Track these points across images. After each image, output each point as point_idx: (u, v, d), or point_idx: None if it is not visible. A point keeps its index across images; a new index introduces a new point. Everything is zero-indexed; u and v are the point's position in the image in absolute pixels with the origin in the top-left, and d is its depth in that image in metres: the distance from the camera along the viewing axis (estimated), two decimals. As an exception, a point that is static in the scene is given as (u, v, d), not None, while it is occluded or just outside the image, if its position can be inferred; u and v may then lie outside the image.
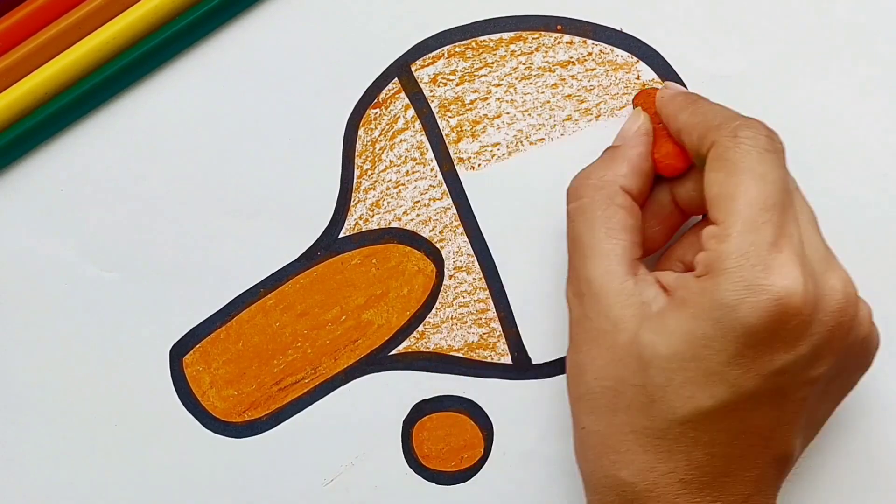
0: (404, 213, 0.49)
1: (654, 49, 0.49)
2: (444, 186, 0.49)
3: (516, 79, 0.49)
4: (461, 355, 0.50)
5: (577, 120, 0.49)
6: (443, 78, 0.49)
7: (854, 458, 0.49)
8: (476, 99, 0.49)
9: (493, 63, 0.49)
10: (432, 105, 0.49)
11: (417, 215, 0.49)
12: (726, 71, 0.49)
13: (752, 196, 0.41)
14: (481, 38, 0.49)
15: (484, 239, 0.49)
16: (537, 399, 0.49)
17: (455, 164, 0.49)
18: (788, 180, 0.42)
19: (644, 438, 0.42)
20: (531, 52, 0.49)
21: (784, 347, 0.40)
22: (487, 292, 0.49)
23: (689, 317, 0.41)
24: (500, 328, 0.49)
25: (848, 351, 0.42)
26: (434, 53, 0.49)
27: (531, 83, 0.49)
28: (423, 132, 0.49)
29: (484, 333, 0.50)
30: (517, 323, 0.49)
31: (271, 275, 0.50)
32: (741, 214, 0.41)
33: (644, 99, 0.47)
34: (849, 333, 0.42)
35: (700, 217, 0.47)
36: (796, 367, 0.41)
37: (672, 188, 0.46)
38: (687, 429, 0.41)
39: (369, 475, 0.50)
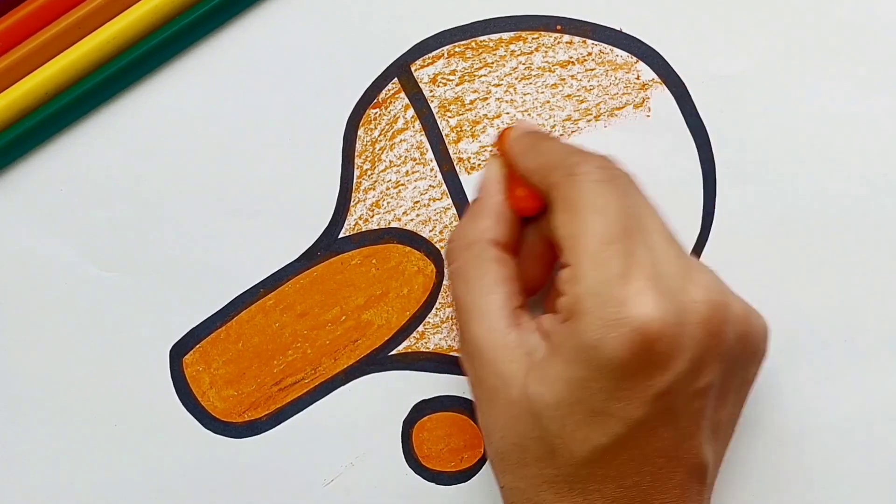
0: (404, 213, 0.49)
1: (654, 49, 0.49)
2: (444, 186, 0.49)
3: (516, 79, 0.49)
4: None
5: (576, 120, 0.49)
6: (443, 78, 0.49)
7: (854, 459, 0.49)
8: (476, 99, 0.49)
9: (492, 63, 0.49)
10: (432, 105, 0.49)
11: (417, 215, 0.49)
12: (726, 71, 0.49)
13: (595, 232, 0.41)
14: (481, 38, 0.49)
15: (484, 239, 0.49)
16: (537, 399, 0.49)
17: (455, 164, 0.49)
18: (633, 204, 0.42)
19: (557, 486, 0.42)
20: (531, 52, 0.49)
21: (659, 371, 0.40)
22: (487, 292, 0.49)
23: (564, 362, 0.41)
24: (500, 328, 0.49)
25: (730, 352, 0.42)
26: (434, 53, 0.49)
27: (531, 83, 0.49)
28: (423, 132, 0.49)
29: (484, 333, 0.49)
30: (517, 323, 0.49)
31: (271, 275, 0.50)
32: (586, 252, 0.41)
33: (501, 140, 0.47)
34: (723, 338, 0.41)
35: None
36: (679, 385, 0.41)
37: (538, 227, 0.46)
38: (593, 469, 0.41)
39: (369, 475, 0.50)
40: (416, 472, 0.50)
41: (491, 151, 0.48)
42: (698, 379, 0.41)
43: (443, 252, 0.49)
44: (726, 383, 0.43)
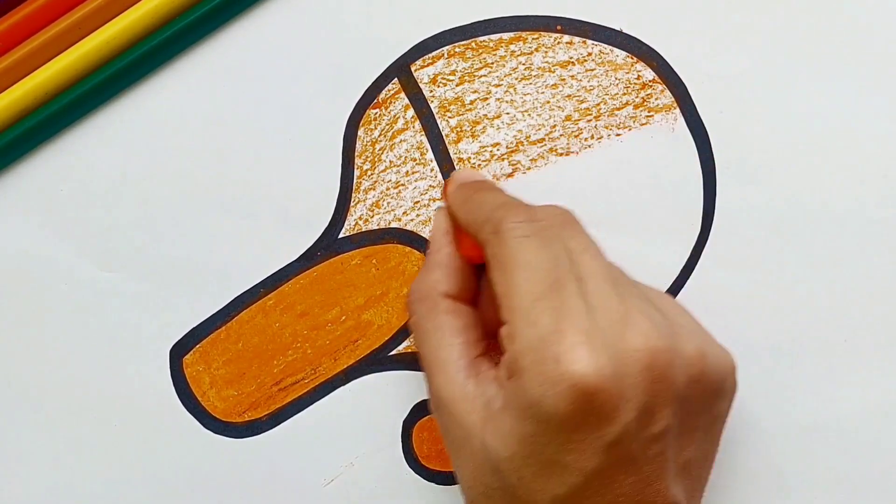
0: (404, 213, 0.49)
1: (654, 49, 0.49)
2: (444, 186, 0.49)
3: (516, 79, 0.49)
4: (461, 355, 0.50)
5: (576, 120, 0.49)
6: (443, 78, 0.49)
7: (854, 459, 0.49)
8: (476, 99, 0.49)
9: (492, 63, 0.49)
10: (432, 105, 0.49)
11: (417, 215, 0.49)
12: (726, 71, 0.49)
13: (524, 289, 0.41)
14: (481, 38, 0.49)
15: (484, 239, 0.49)
16: (537, 399, 0.49)
17: (455, 164, 0.49)
18: (563, 253, 0.42)
19: None
20: (531, 53, 0.49)
21: (605, 422, 0.40)
22: (487, 292, 0.49)
23: (513, 418, 0.41)
24: (500, 328, 0.49)
25: (683, 394, 0.41)
26: (434, 53, 0.49)
27: (531, 83, 0.49)
28: (423, 132, 0.49)
29: (484, 333, 0.49)
30: (517, 323, 0.49)
31: (271, 275, 0.50)
32: (518, 310, 0.41)
33: (445, 190, 0.47)
34: (671, 382, 0.41)
35: None
36: (630, 433, 0.40)
37: None
38: None
39: (369, 475, 0.50)
40: (416, 472, 0.50)
41: (438, 204, 0.48)
42: (651, 425, 0.41)
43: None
44: (688, 424, 0.42)
